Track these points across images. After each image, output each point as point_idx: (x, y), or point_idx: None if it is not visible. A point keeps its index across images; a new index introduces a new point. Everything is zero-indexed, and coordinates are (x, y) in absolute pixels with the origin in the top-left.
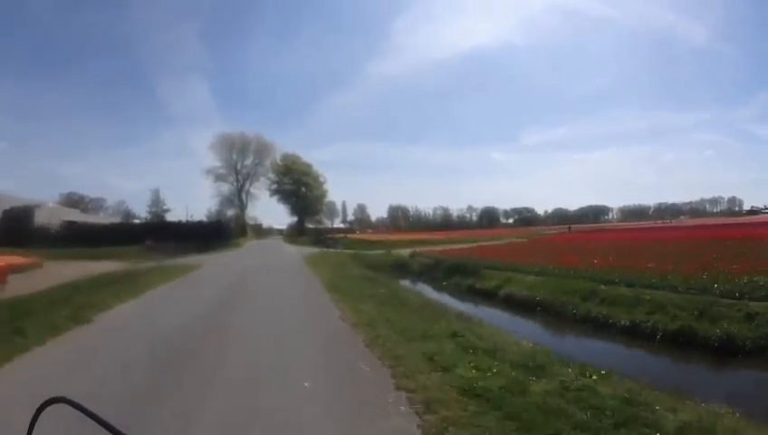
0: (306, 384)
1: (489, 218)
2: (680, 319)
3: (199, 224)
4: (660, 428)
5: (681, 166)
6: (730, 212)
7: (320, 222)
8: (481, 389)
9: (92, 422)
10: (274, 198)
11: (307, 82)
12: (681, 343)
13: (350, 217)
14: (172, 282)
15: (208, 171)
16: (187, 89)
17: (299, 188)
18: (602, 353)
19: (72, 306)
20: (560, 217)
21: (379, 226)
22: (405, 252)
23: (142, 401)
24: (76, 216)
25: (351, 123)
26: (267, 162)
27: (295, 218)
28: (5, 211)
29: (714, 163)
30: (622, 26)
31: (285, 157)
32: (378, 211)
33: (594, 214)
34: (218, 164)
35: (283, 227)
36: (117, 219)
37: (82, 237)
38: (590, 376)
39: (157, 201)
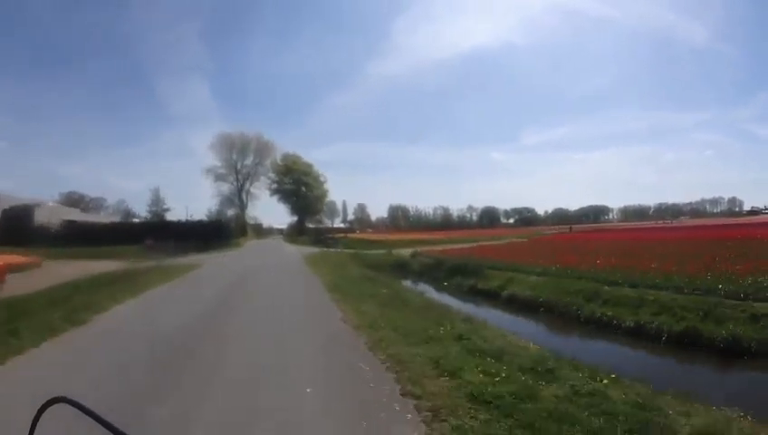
0: (308, 390)
1: (489, 218)
2: (685, 320)
3: (199, 223)
4: (675, 433)
5: (681, 166)
6: (730, 212)
7: (320, 222)
8: (490, 395)
9: (93, 422)
10: (275, 198)
11: (307, 82)
12: (686, 344)
13: (351, 216)
14: (172, 281)
15: (208, 171)
16: (187, 89)
17: (299, 187)
18: (608, 355)
19: (69, 307)
20: (560, 217)
21: (380, 225)
22: (405, 252)
23: (138, 404)
24: (76, 215)
25: (351, 123)
26: (267, 162)
27: (295, 218)
28: (5, 211)
29: (714, 163)
30: (622, 26)
31: (286, 157)
32: (378, 211)
33: (594, 214)
34: (218, 164)
35: (284, 226)
36: (117, 219)
37: (82, 237)
38: (601, 380)
39: (157, 201)
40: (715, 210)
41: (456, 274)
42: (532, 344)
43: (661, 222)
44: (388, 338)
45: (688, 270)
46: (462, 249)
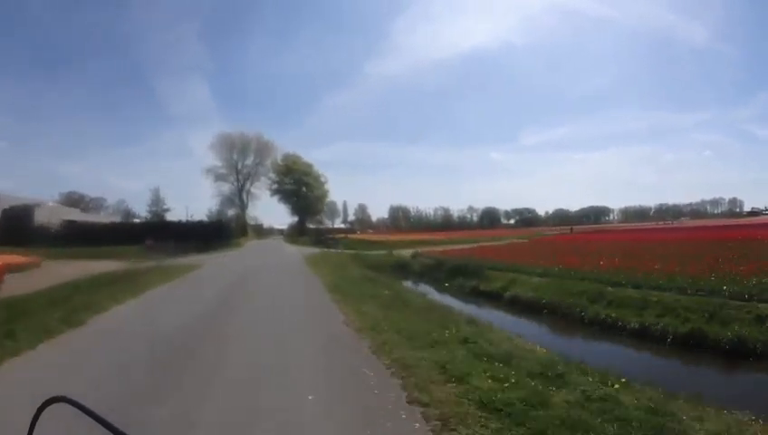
0: (310, 397)
1: (490, 219)
2: (690, 322)
3: (200, 223)
4: None
5: (681, 166)
6: (731, 213)
7: (320, 222)
8: (500, 402)
9: (92, 421)
10: (275, 198)
11: (307, 81)
12: (691, 345)
13: (351, 217)
14: (172, 282)
15: (208, 171)
16: (187, 89)
17: (300, 188)
18: (615, 357)
19: (68, 307)
20: (561, 217)
21: (380, 226)
22: (406, 252)
23: (137, 406)
24: (76, 215)
25: (351, 123)
26: (268, 162)
27: (296, 218)
28: (5, 210)
29: (713, 164)
30: (622, 26)
31: (286, 157)
32: (378, 211)
33: (595, 215)
34: (219, 164)
35: (284, 227)
36: (117, 219)
37: (82, 237)
38: (612, 385)
39: (157, 201)
40: (715, 211)
41: (458, 275)
42: (538, 347)
43: (662, 223)
44: (392, 341)
45: (691, 271)
46: (463, 250)
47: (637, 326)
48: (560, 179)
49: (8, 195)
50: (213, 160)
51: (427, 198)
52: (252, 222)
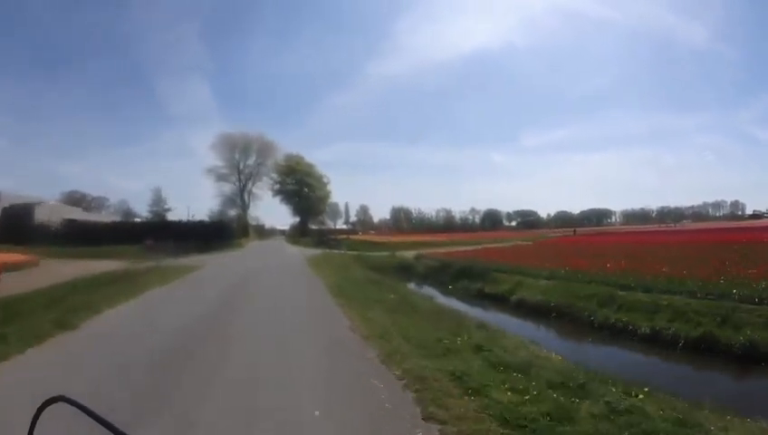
0: (317, 413)
1: (492, 221)
2: (702, 326)
3: (201, 224)
4: None
5: (682, 169)
6: (732, 216)
7: (322, 223)
8: (523, 417)
9: (92, 421)
10: (277, 199)
11: (307, 82)
12: (703, 350)
13: (353, 218)
14: (170, 284)
15: (210, 171)
16: (187, 89)
17: (301, 188)
18: (629, 363)
19: (64, 308)
20: (563, 219)
21: (382, 227)
22: (408, 254)
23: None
24: (77, 214)
25: (351, 123)
26: (270, 162)
27: (298, 219)
28: (5, 209)
29: (715, 166)
30: (622, 27)
31: (288, 157)
32: (380, 212)
33: (597, 217)
34: (220, 164)
35: (286, 227)
36: (118, 218)
37: (82, 236)
38: (636, 395)
39: (158, 200)
40: (717, 214)
41: (462, 277)
42: (554, 355)
43: (664, 225)
44: (402, 350)
45: (699, 274)
46: (466, 252)
47: (648, 331)
48: (559, 181)
49: (9, 193)
50: (214, 160)
51: (427, 199)
52: (253, 222)
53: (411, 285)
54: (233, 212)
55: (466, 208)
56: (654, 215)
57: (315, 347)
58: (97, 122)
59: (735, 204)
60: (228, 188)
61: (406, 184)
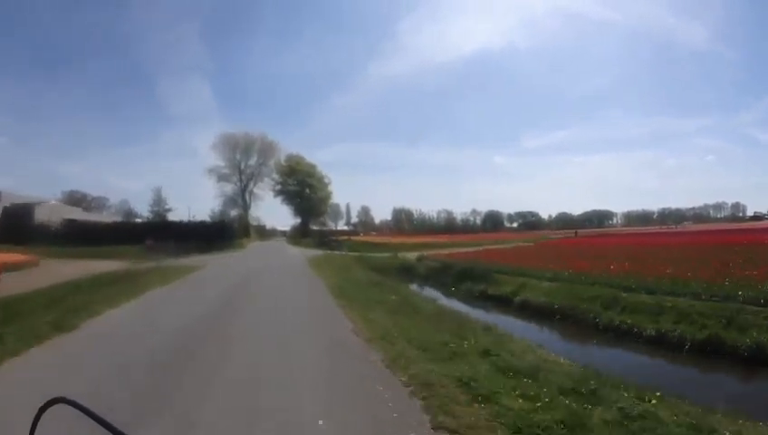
0: (321, 422)
1: (493, 222)
2: (707, 328)
3: (202, 224)
4: None
5: (683, 171)
6: (733, 218)
7: (324, 224)
8: (536, 425)
9: (93, 422)
10: (278, 199)
11: (308, 82)
12: (709, 352)
13: (354, 219)
14: (170, 284)
15: (211, 171)
16: (187, 89)
17: (303, 189)
18: (636, 366)
19: (63, 308)
20: (564, 221)
21: (383, 228)
22: (410, 255)
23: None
24: (78, 214)
25: (352, 123)
26: (271, 162)
27: (299, 220)
28: (5, 208)
29: (716, 168)
30: (623, 28)
31: (290, 157)
32: (381, 213)
33: (598, 219)
34: (222, 164)
35: (287, 228)
36: (118, 218)
37: (83, 236)
38: (649, 400)
39: (159, 200)
40: (718, 215)
41: (465, 278)
42: (563, 359)
43: (665, 227)
44: (406, 354)
45: (702, 275)
46: (468, 253)
47: (653, 333)
48: (560, 183)
49: (9, 193)
50: (215, 160)
51: (427, 200)
52: (254, 223)
53: (413, 287)
54: (234, 212)
55: (467, 209)
56: (655, 216)
57: (317, 348)
58: (97, 122)
59: (736, 206)
60: (229, 188)
61: (406, 184)
